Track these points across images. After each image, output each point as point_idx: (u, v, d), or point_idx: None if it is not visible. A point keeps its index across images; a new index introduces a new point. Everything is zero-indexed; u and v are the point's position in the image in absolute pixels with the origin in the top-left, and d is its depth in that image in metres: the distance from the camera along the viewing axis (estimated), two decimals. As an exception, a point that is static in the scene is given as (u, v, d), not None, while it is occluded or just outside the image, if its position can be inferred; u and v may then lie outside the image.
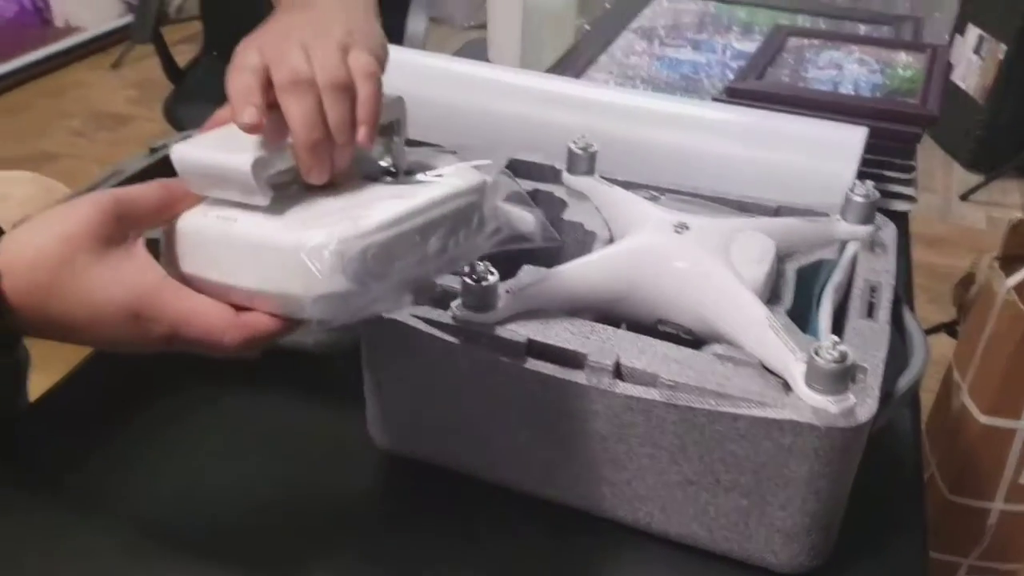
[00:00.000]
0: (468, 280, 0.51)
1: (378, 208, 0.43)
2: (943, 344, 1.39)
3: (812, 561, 0.51)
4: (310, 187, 0.44)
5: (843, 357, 0.45)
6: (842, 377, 0.46)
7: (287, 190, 0.44)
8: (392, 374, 0.55)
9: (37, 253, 0.42)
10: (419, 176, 0.47)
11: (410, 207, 0.44)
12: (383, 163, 0.47)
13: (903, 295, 0.59)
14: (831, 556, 0.52)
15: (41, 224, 0.43)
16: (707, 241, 0.56)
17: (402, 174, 0.47)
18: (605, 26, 1.24)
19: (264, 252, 0.42)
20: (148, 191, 0.45)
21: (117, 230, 0.43)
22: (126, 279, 0.42)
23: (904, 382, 0.52)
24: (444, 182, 0.47)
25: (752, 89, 0.95)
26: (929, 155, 2.53)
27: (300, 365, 0.62)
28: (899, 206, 0.89)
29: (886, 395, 0.51)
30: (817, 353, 0.46)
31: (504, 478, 0.56)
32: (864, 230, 0.60)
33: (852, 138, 0.80)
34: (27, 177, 1.39)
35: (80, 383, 0.65)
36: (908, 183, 0.89)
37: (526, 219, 0.52)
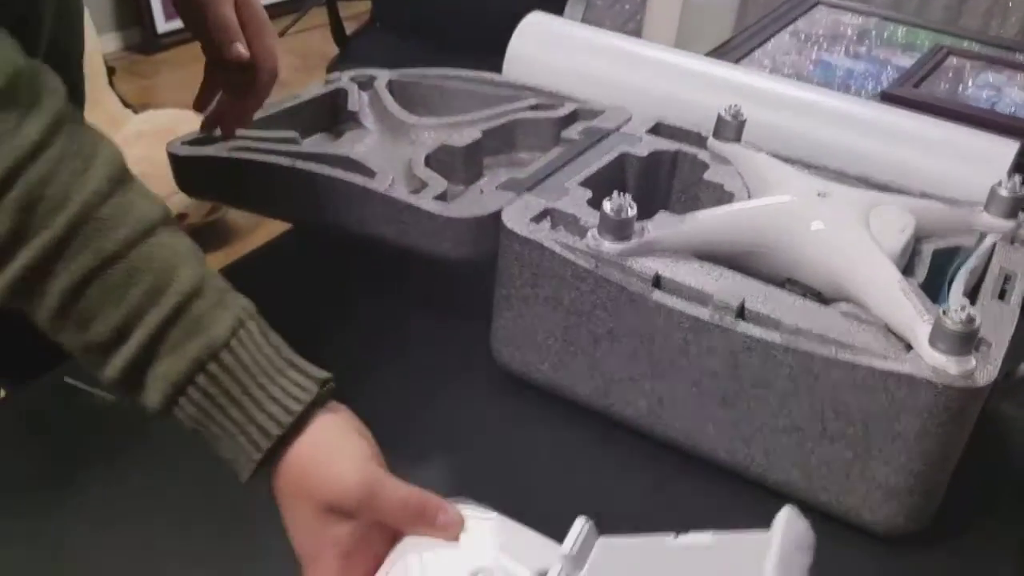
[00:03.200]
0: (607, 211, 0.54)
1: None
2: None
3: (908, 524, 0.51)
4: None
5: (971, 320, 0.46)
6: (966, 340, 0.46)
7: None
8: (522, 293, 0.59)
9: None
10: None
11: None
12: None
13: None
14: (927, 530, 0.52)
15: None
16: (847, 207, 0.57)
17: None
18: (762, 26, 1.24)
19: None
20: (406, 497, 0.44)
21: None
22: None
23: (1028, 367, 0.52)
24: None
25: (907, 96, 0.94)
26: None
27: (436, 272, 0.66)
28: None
29: (1007, 374, 0.51)
30: (945, 313, 0.47)
31: (613, 408, 0.59)
32: (1006, 224, 0.60)
33: (1004, 150, 0.78)
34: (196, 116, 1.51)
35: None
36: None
37: None
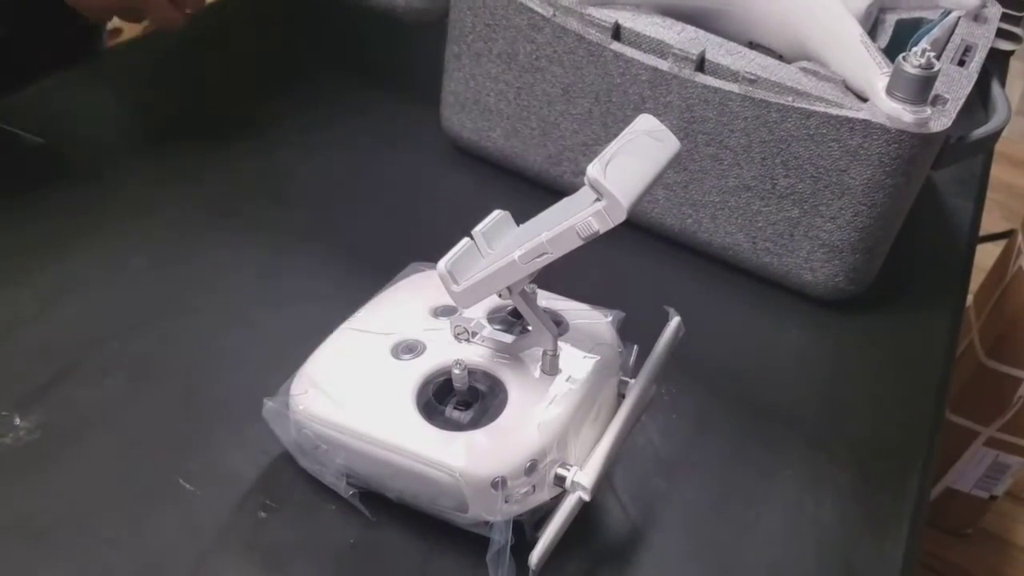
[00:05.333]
0: (568, -46, 0.51)
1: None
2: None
3: (848, 286, 0.52)
4: None
5: (930, 64, 0.45)
6: (924, 85, 0.46)
7: None
8: (475, 48, 0.56)
9: None
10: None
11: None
12: None
13: (994, 73, 0.58)
14: (863, 295, 0.53)
15: None
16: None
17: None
18: None
19: None
20: None
21: None
22: None
23: (978, 132, 0.52)
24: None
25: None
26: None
27: (392, 43, 0.63)
28: (1003, 45, 0.86)
29: (959, 137, 0.51)
30: (905, 59, 0.46)
31: (564, 177, 0.57)
32: (971, 2, 0.59)
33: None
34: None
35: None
36: (1018, 22, 0.86)
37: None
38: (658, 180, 0.32)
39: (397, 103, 0.65)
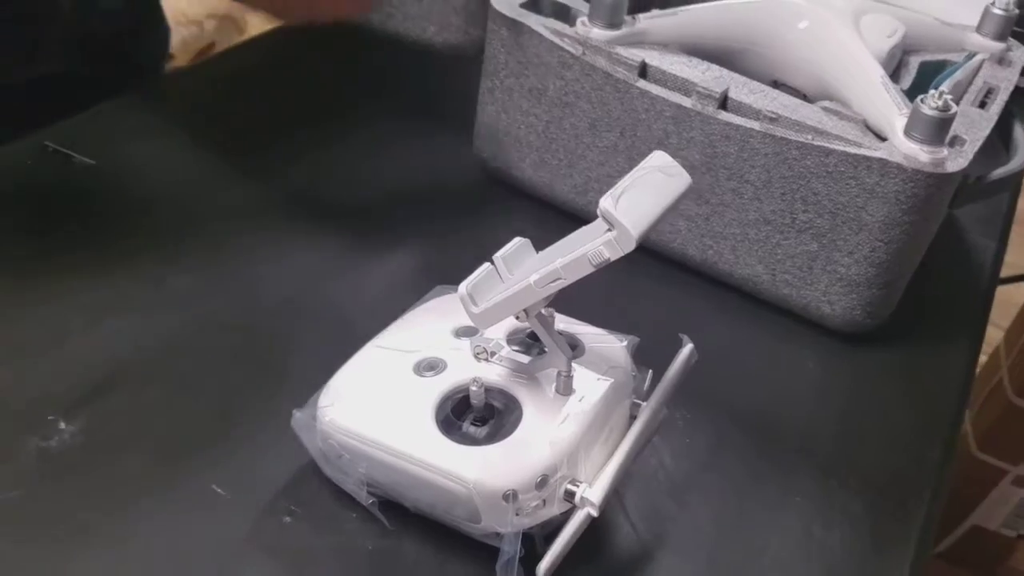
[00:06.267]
0: (598, -6, 0.54)
1: None
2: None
3: (865, 319, 0.53)
4: None
5: (947, 107, 0.47)
6: (941, 127, 0.47)
7: None
8: (506, 84, 0.59)
9: None
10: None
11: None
12: None
13: (1016, 114, 0.59)
14: (881, 328, 0.54)
15: None
16: (837, 9, 0.56)
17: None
18: None
19: None
20: None
21: None
22: None
23: (998, 172, 0.53)
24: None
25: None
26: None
27: (424, 64, 0.66)
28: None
29: (978, 178, 0.52)
30: (923, 101, 0.47)
31: (590, 207, 0.59)
32: (996, 45, 0.60)
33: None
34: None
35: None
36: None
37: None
38: (669, 213, 0.34)
39: (432, 132, 0.68)
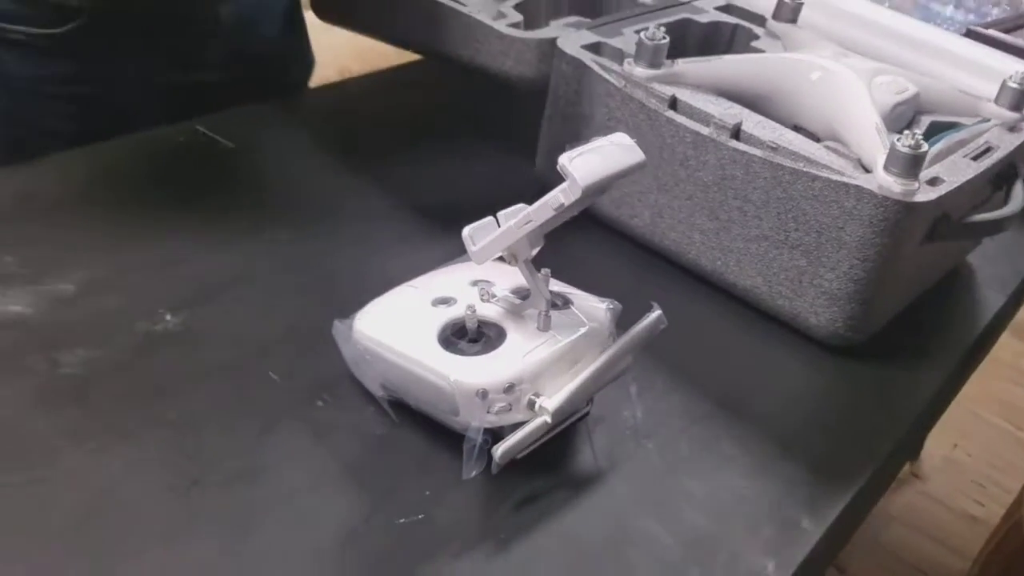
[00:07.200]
0: (643, 39, 0.64)
1: None
2: None
3: (847, 332, 0.59)
4: None
5: (917, 145, 0.54)
6: (913, 163, 0.54)
7: None
8: (565, 111, 0.69)
9: None
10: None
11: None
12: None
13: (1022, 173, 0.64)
14: (866, 350, 0.60)
15: None
16: (851, 67, 0.65)
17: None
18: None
19: None
20: None
21: None
22: None
23: (981, 216, 0.59)
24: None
25: (993, 36, 0.98)
26: None
27: (502, 94, 0.78)
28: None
29: (961, 218, 0.58)
30: (898, 140, 0.55)
31: (622, 218, 0.69)
32: (1010, 115, 0.66)
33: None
34: None
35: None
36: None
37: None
38: (618, 177, 0.43)
39: (505, 153, 0.80)
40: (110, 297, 0.56)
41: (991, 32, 0.98)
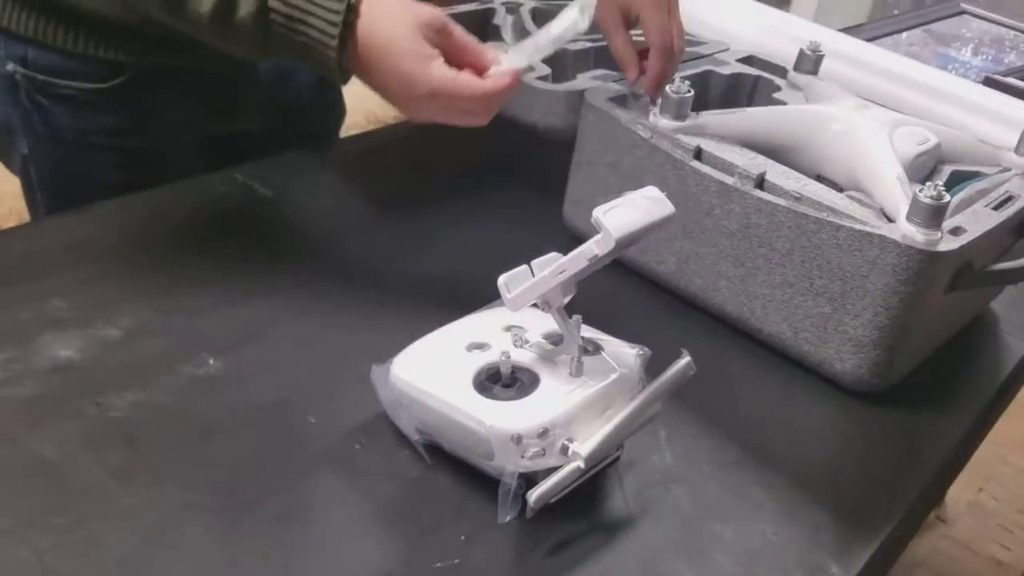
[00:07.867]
0: (668, 92, 0.66)
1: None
2: None
3: (872, 379, 0.60)
4: None
5: (940, 196, 0.55)
6: (935, 214, 0.55)
7: None
8: (591, 159, 0.71)
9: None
10: None
11: None
12: None
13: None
14: (891, 397, 0.61)
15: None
16: (873, 118, 0.66)
17: None
18: (897, 20, 1.31)
19: None
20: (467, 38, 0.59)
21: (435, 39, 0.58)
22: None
23: (1001, 265, 0.60)
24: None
25: (1011, 84, 1.00)
26: None
27: (523, 148, 0.80)
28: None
29: (982, 267, 0.59)
30: (920, 191, 0.56)
31: (649, 265, 0.70)
32: (1031, 163, 0.68)
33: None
34: None
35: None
36: None
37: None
38: (650, 230, 0.45)
39: (532, 200, 0.81)
40: (155, 341, 0.58)
41: (1010, 80, 1.00)
